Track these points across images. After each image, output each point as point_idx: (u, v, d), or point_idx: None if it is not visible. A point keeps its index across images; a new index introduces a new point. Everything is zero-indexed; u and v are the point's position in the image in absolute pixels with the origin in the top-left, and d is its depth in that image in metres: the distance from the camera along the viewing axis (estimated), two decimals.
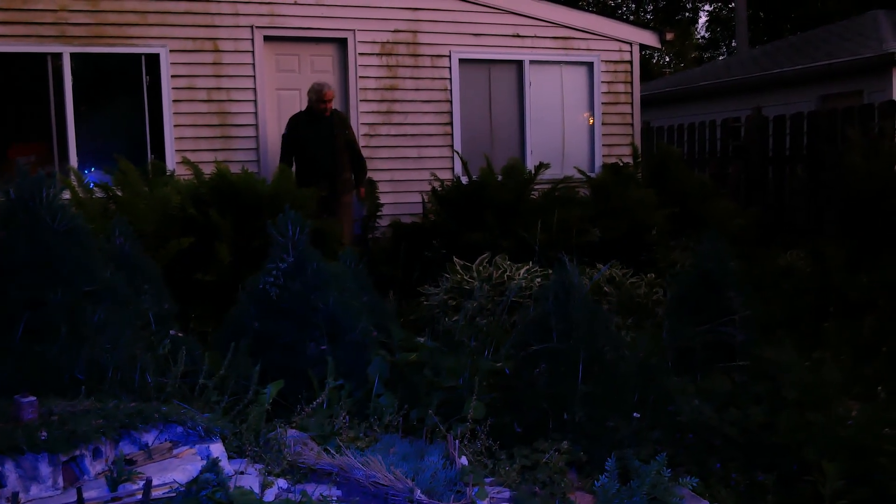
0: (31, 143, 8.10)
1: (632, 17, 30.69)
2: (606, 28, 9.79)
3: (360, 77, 8.85)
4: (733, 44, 25.67)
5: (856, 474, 3.44)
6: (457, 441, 3.03)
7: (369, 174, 8.70)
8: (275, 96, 8.73)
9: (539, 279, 6.46)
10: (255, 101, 8.51)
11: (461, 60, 9.20)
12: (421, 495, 2.63)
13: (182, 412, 2.79)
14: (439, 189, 8.47)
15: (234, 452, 2.92)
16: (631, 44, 9.85)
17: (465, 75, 9.24)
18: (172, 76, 8.25)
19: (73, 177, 7.18)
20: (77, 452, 2.52)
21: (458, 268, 7.01)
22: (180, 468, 2.59)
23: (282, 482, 2.72)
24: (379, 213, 8.45)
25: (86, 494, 2.39)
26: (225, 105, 8.44)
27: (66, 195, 6.95)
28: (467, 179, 8.41)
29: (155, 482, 2.47)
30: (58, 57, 7.85)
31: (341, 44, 8.84)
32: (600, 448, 3.36)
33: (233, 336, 3.65)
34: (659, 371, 3.82)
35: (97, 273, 3.16)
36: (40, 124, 7.97)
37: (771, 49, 17.52)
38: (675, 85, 17.78)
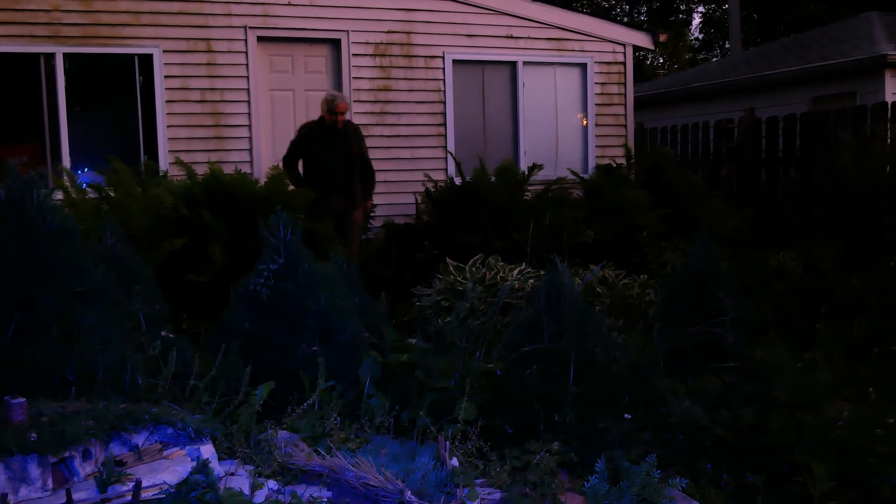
0: (23, 144, 8.09)
1: (626, 19, 30.75)
2: (600, 29, 9.81)
3: (354, 78, 8.85)
4: (727, 45, 25.70)
5: (846, 475, 3.45)
6: (447, 442, 3.03)
7: None
8: (268, 97, 8.73)
9: (532, 280, 6.47)
10: (248, 102, 8.51)
11: (455, 61, 9.21)
12: (411, 496, 2.64)
13: (172, 413, 2.79)
14: (433, 190, 8.48)
15: (225, 454, 2.92)
16: (624, 45, 9.87)
17: (458, 76, 9.25)
18: (166, 76, 8.24)
19: (65, 177, 7.18)
20: (67, 454, 2.52)
21: (451, 269, 7.01)
22: (170, 469, 2.59)
23: (272, 483, 2.72)
24: (372, 214, 8.45)
25: (75, 496, 2.39)
26: (218, 105, 8.43)
27: (59, 196, 6.95)
28: (461, 180, 8.42)
29: (145, 483, 2.46)
30: (51, 57, 7.84)
31: (335, 44, 8.84)
32: (591, 449, 3.36)
33: (224, 337, 3.65)
34: (650, 372, 3.83)
35: (88, 274, 3.16)
36: (33, 125, 7.96)
37: (764, 50, 17.57)
38: (669, 86, 17.82)
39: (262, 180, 7.65)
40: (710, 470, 3.49)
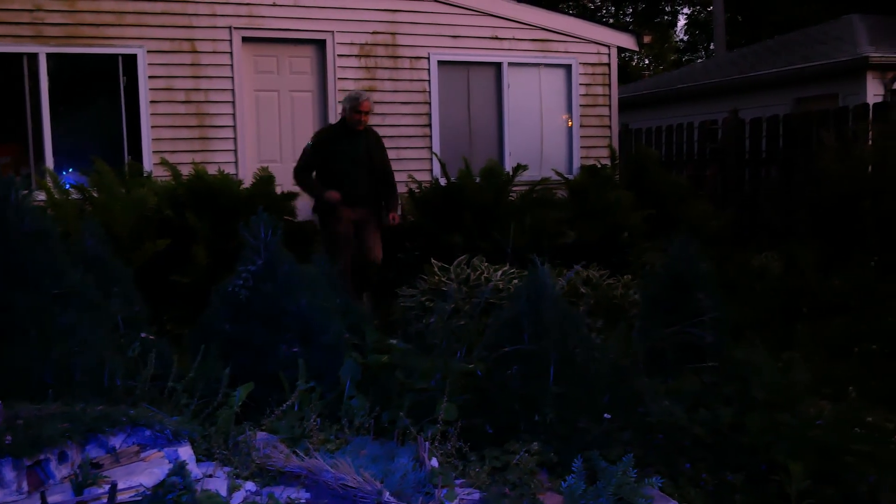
0: (6, 145, 8.05)
1: (611, 20, 30.83)
2: (584, 31, 9.85)
3: (339, 79, 8.85)
4: (711, 47, 25.81)
5: (823, 474, 3.47)
6: (427, 443, 3.04)
7: None
8: (253, 97, 8.72)
9: (516, 281, 6.48)
10: (233, 103, 8.49)
11: (440, 62, 9.23)
12: (389, 497, 2.64)
13: (150, 415, 2.79)
14: (417, 191, 8.48)
15: (203, 455, 2.92)
16: (609, 46, 9.91)
17: (443, 77, 9.26)
18: (150, 77, 8.22)
19: (48, 178, 7.14)
20: (42, 456, 2.51)
21: (435, 269, 7.02)
22: (147, 471, 2.59)
23: (250, 485, 2.72)
24: None
25: (50, 499, 2.39)
26: (203, 106, 8.42)
27: (42, 197, 6.93)
28: (445, 181, 8.43)
29: (121, 486, 2.46)
30: (34, 57, 7.80)
31: (320, 45, 8.84)
32: (571, 449, 3.37)
33: (204, 339, 3.64)
34: (630, 372, 3.84)
35: (66, 275, 3.15)
36: (16, 125, 7.92)
37: (748, 52, 17.65)
38: (654, 87, 17.89)
39: (248, 181, 7.65)
40: (688, 469, 3.50)
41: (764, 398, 3.90)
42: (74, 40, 7.92)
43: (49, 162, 7.83)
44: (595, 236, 8.13)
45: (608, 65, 9.92)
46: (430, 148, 9.12)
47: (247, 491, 2.68)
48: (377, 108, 8.99)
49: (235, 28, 8.44)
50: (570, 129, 9.87)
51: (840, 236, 8.31)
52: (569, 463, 3.05)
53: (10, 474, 2.42)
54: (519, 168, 8.39)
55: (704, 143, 11.43)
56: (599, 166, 9.28)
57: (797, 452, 3.49)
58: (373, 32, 8.95)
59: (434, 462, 2.97)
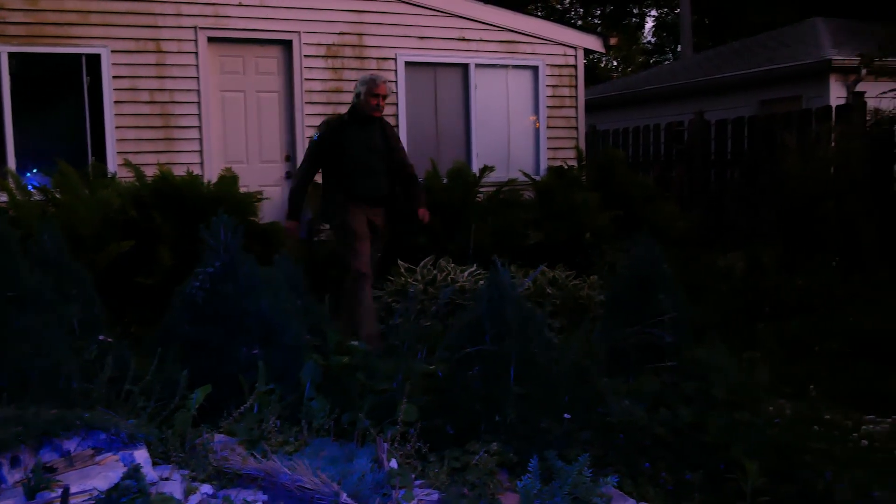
0: None
1: (580, 22, 30.98)
2: (551, 32, 9.88)
3: (306, 79, 8.82)
4: (679, 49, 26.02)
5: (781, 472, 3.52)
6: (386, 444, 3.04)
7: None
8: (219, 98, 8.66)
9: (482, 282, 6.50)
10: (198, 103, 8.42)
11: (407, 63, 9.22)
12: (347, 499, 2.64)
13: (106, 418, 2.76)
14: None
15: (160, 458, 2.90)
16: (576, 48, 9.95)
17: (410, 78, 9.26)
18: (114, 77, 8.14)
19: (10, 179, 7.05)
20: None
21: (402, 270, 7.03)
22: (102, 475, 2.57)
23: (206, 488, 2.70)
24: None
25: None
26: (168, 107, 8.34)
27: (4, 198, 6.85)
28: None
29: (75, 490, 2.44)
30: None
31: (286, 46, 8.80)
32: (532, 449, 3.38)
33: (166, 341, 3.62)
34: (591, 372, 3.87)
35: (21, 278, 3.11)
36: None
37: (714, 54, 17.82)
38: (622, 89, 18.00)
39: (213, 182, 7.60)
40: (648, 468, 3.53)
41: (724, 397, 3.94)
42: (37, 40, 7.82)
43: (11, 163, 7.72)
44: (562, 237, 8.17)
45: (575, 66, 9.96)
46: None
47: (203, 494, 2.67)
48: (344, 110, 8.94)
49: (201, 28, 8.38)
50: (537, 131, 9.90)
51: (803, 237, 8.41)
52: (529, 463, 3.07)
53: None
54: (486, 169, 8.41)
55: (671, 144, 11.52)
56: (566, 167, 9.32)
57: (755, 451, 3.53)
58: (340, 33, 8.92)
59: (393, 463, 2.97)
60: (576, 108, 10.00)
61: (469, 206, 8.17)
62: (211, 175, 8.06)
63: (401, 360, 3.75)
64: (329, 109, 8.89)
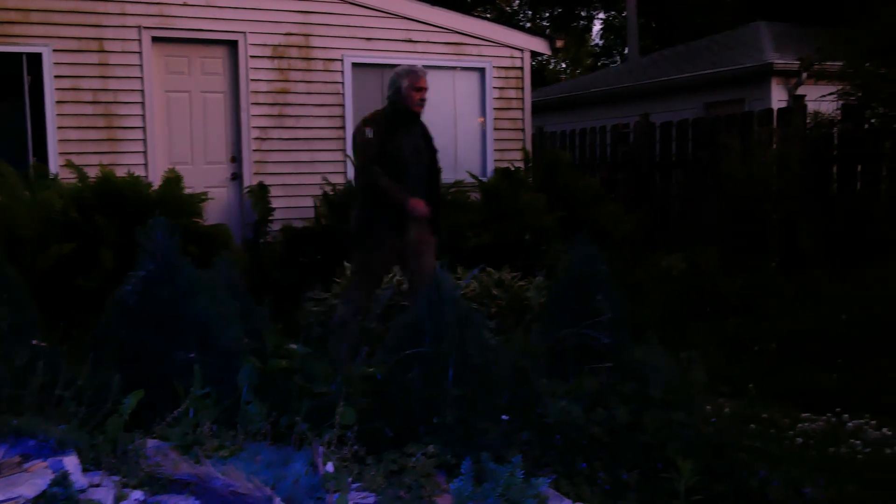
0: None
1: (528, 24, 31.17)
2: (498, 35, 9.94)
3: (252, 80, 8.76)
4: (626, 51, 26.34)
5: (717, 470, 3.58)
6: (322, 447, 3.03)
7: (261, 178, 8.62)
8: (164, 98, 8.57)
9: None
10: (143, 104, 8.33)
11: (354, 64, 9.20)
12: (280, 502, 2.63)
13: (35, 424, 2.72)
14: (331, 193, 8.45)
15: (91, 464, 2.86)
16: (522, 50, 10.02)
17: (357, 79, 9.24)
18: (56, 76, 8.02)
19: None
20: None
21: (348, 272, 7.01)
22: (30, 482, 2.53)
23: (137, 494, 2.67)
24: (271, 218, 8.38)
25: None
26: (112, 107, 8.24)
27: None
28: None
29: (0, 498, 2.40)
30: None
31: (232, 46, 8.74)
32: (470, 450, 3.40)
33: (101, 345, 3.57)
34: (530, 373, 3.90)
35: None
36: None
37: (659, 58, 18.07)
38: (569, 91, 18.18)
39: (158, 183, 7.52)
40: (585, 468, 3.56)
41: (660, 397, 4.00)
42: None
43: None
44: (509, 238, 8.22)
45: (521, 68, 10.03)
46: (344, 150, 9.08)
47: (134, 500, 2.64)
48: (291, 111, 8.95)
49: (145, 28, 8.29)
50: (484, 132, 9.95)
51: (745, 238, 8.57)
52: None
53: None
54: None
55: (617, 146, 11.66)
56: (513, 169, 9.38)
57: (691, 450, 3.59)
58: (286, 34, 8.88)
59: (329, 467, 2.96)
60: (523, 109, 10.07)
61: None
62: (155, 176, 7.97)
63: (339, 362, 3.74)
64: (275, 111, 8.86)
